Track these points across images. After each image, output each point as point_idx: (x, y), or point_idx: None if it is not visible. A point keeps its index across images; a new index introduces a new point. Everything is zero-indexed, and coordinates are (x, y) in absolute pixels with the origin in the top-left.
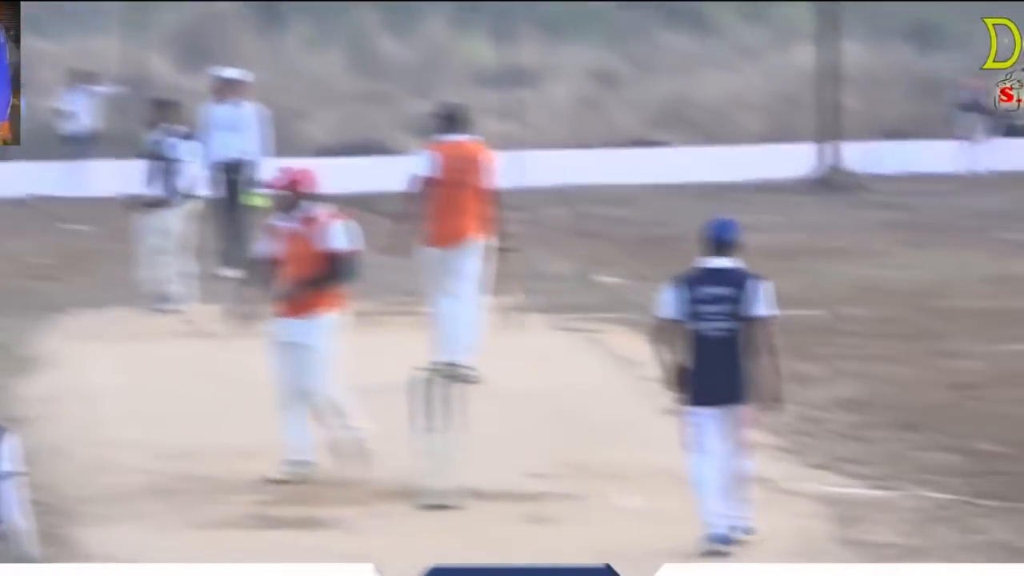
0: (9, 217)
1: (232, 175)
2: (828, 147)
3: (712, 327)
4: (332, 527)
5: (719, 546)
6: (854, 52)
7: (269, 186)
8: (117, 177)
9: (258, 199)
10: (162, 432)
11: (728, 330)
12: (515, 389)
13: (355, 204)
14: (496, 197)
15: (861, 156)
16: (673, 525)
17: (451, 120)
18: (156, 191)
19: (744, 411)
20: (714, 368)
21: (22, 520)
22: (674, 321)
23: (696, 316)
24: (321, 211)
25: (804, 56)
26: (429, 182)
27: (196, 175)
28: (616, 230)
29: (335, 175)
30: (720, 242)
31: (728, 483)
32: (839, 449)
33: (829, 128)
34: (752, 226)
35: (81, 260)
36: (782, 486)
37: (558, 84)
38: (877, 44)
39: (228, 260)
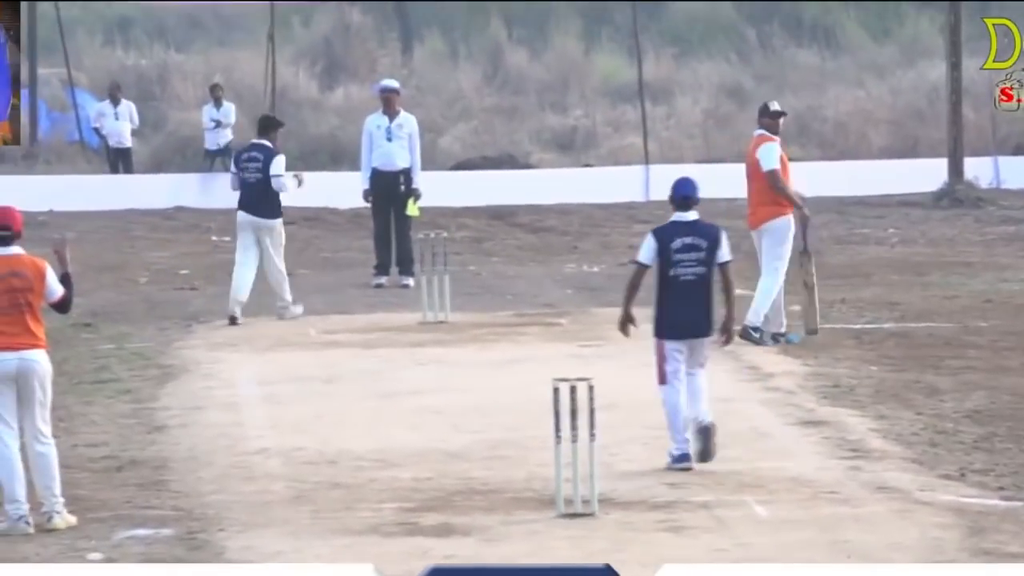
0: (160, 228)
1: (395, 185)
2: (954, 162)
3: (686, 272)
4: (472, 534)
5: (683, 465)
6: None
7: None
8: None
9: (415, 209)
10: (302, 440)
11: (698, 275)
12: (644, 399)
13: (490, 216)
14: (775, 181)
15: (987, 171)
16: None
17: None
18: None
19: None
20: (686, 307)
21: None
22: (649, 267)
23: (672, 263)
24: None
25: (932, 73)
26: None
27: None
28: (748, 244)
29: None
30: (689, 199)
31: (692, 394)
32: (968, 460)
33: (955, 143)
34: (880, 240)
35: (219, 270)
36: (913, 496)
37: (687, 99)
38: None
39: (383, 269)
